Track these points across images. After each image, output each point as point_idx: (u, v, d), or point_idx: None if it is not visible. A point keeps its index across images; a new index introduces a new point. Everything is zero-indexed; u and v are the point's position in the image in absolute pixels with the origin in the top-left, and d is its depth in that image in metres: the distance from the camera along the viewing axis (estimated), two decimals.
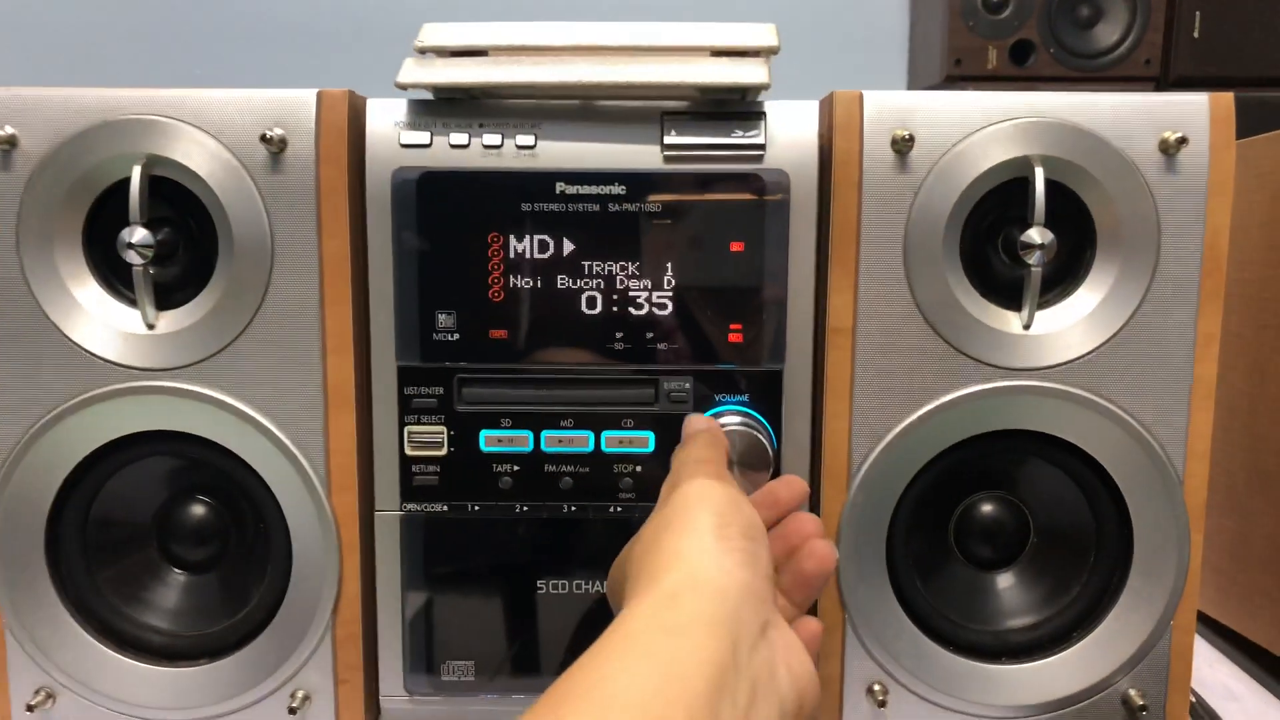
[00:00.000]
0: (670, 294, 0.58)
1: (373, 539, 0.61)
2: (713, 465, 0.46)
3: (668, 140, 0.58)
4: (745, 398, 0.59)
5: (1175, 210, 0.57)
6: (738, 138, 0.58)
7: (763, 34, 0.58)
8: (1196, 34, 1.73)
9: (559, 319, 0.59)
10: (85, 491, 0.60)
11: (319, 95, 0.57)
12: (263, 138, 0.56)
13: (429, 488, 0.60)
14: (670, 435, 0.59)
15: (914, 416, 0.58)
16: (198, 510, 0.61)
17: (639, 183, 0.58)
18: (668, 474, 0.49)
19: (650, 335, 0.59)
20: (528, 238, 0.58)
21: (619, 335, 0.59)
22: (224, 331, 0.58)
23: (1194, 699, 0.65)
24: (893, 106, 0.57)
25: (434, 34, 0.58)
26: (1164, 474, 0.58)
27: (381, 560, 0.61)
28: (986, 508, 0.61)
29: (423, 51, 0.58)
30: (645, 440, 0.60)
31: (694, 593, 0.37)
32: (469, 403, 0.59)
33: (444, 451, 0.60)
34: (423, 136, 0.58)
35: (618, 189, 0.58)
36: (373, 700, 0.62)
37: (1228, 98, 0.57)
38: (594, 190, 0.58)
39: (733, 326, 0.59)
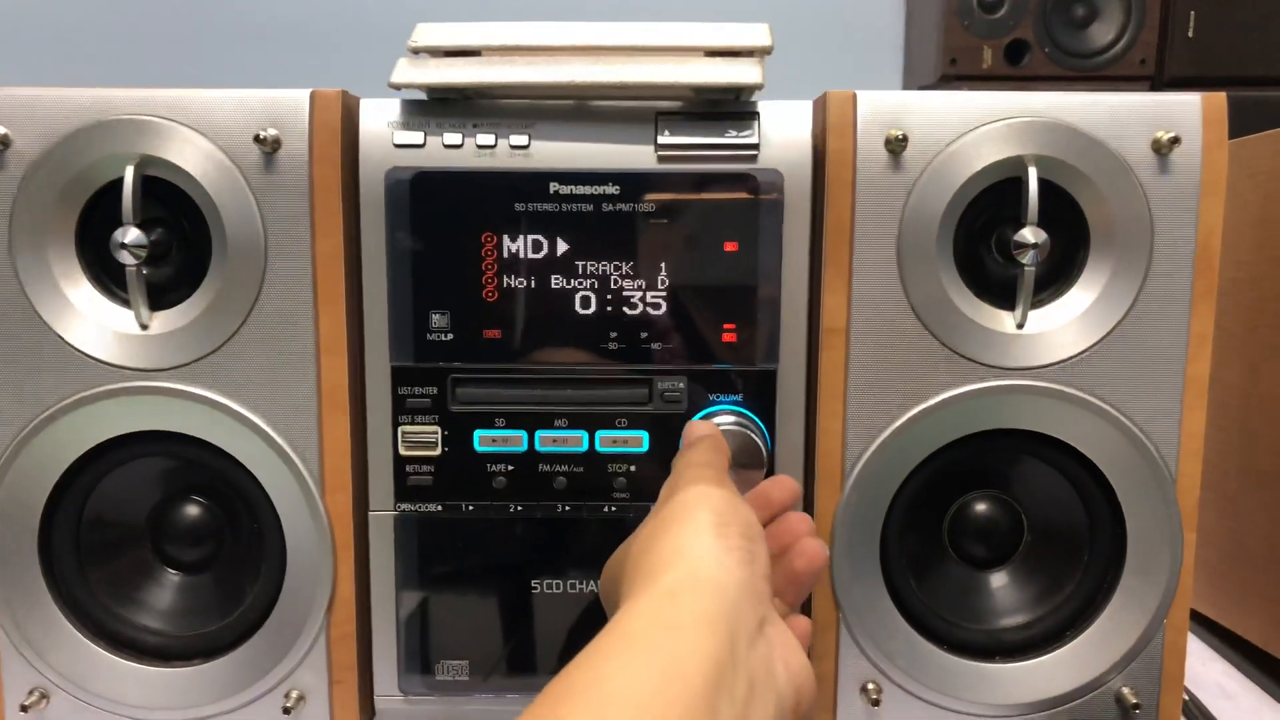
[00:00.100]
0: (664, 294, 0.59)
1: (367, 539, 0.61)
2: (713, 471, 0.46)
3: (662, 140, 0.58)
4: (739, 397, 0.59)
5: (1168, 210, 0.57)
6: (732, 138, 0.58)
7: (756, 34, 0.58)
8: (1191, 34, 1.73)
9: (553, 319, 0.59)
10: (79, 492, 0.60)
11: (312, 95, 0.57)
12: (256, 138, 0.56)
13: (423, 488, 0.60)
14: (664, 435, 0.59)
15: (908, 416, 0.58)
16: (192, 511, 0.61)
17: (633, 183, 0.58)
18: (665, 475, 0.49)
19: (644, 335, 0.59)
20: (522, 238, 0.58)
21: (613, 335, 0.59)
22: (218, 332, 0.57)
23: (1187, 697, 0.65)
24: (886, 106, 0.57)
25: (427, 34, 0.58)
26: (1157, 473, 0.58)
27: (376, 560, 0.61)
28: (980, 507, 0.61)
29: (416, 51, 0.58)
30: (639, 440, 0.60)
31: (693, 590, 0.37)
32: (463, 403, 0.59)
33: (438, 452, 0.60)
34: (416, 136, 0.58)
35: (612, 189, 0.58)
36: (367, 700, 0.62)
37: (1220, 98, 0.57)
38: (588, 190, 0.58)
39: (727, 326, 0.59)
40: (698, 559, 0.39)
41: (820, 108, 0.58)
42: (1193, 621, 0.67)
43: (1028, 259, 0.56)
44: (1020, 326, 0.58)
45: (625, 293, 0.58)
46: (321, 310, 0.58)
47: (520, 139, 0.58)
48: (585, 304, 0.59)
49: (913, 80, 2.03)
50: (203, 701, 0.60)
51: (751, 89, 0.56)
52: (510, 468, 0.60)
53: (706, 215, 0.58)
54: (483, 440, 0.60)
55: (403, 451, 0.60)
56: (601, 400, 0.59)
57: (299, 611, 0.60)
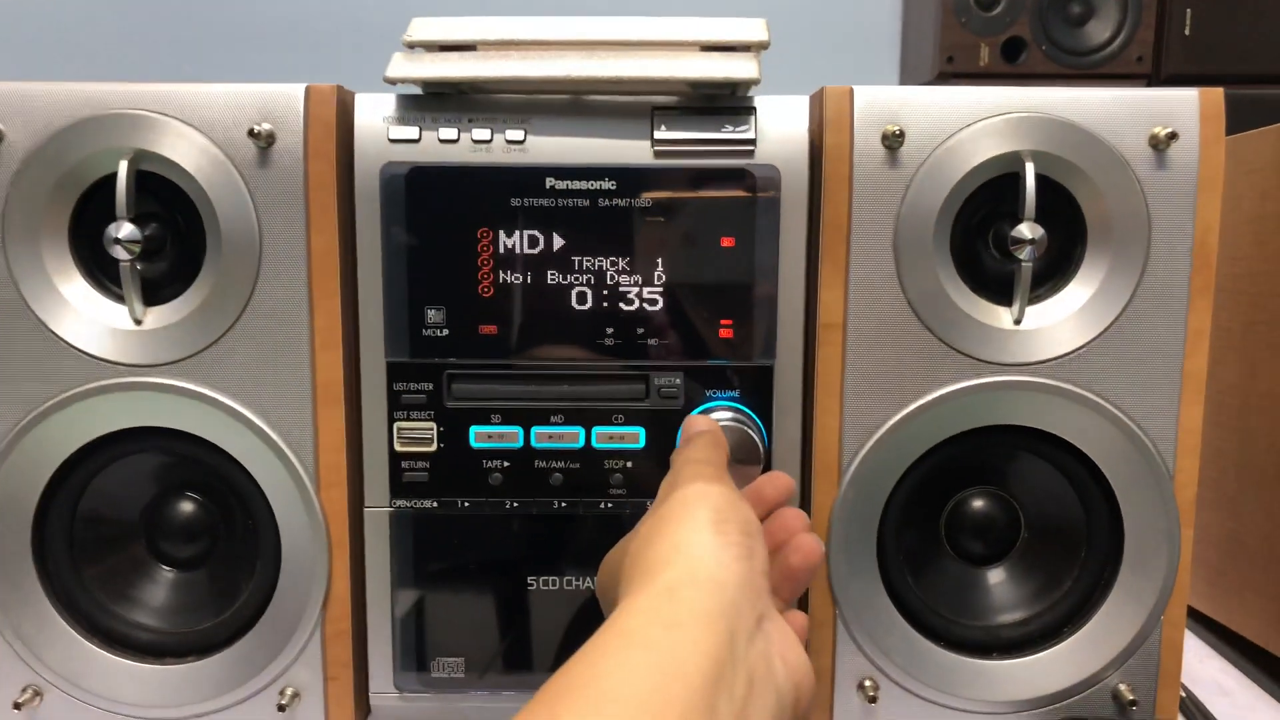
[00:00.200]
0: (661, 289, 0.58)
1: (362, 535, 0.60)
2: (712, 468, 0.46)
3: (658, 135, 0.58)
4: (736, 393, 0.59)
5: (1165, 206, 0.57)
6: (728, 133, 0.58)
7: (753, 29, 0.58)
8: (1188, 31, 1.73)
9: (549, 315, 0.59)
10: (72, 488, 0.60)
11: (307, 90, 0.57)
12: (250, 133, 0.56)
13: (419, 484, 0.60)
14: (661, 431, 0.59)
15: (905, 412, 0.58)
16: (186, 507, 0.61)
17: (629, 178, 0.57)
18: (663, 472, 0.49)
19: (641, 331, 0.59)
20: (517, 233, 0.58)
21: (609, 331, 0.59)
22: (212, 327, 0.57)
23: (1184, 694, 0.65)
24: (883, 102, 0.57)
25: (423, 28, 0.58)
26: (1154, 469, 0.58)
27: (371, 557, 0.61)
28: (977, 503, 0.61)
29: (411, 46, 0.58)
30: (636, 436, 0.59)
31: (692, 587, 0.37)
32: (459, 399, 0.59)
33: (434, 448, 0.59)
34: (411, 131, 0.57)
35: (608, 184, 0.57)
36: (362, 698, 0.62)
37: (1217, 93, 0.57)
38: (584, 185, 0.58)
39: (723, 322, 0.59)
40: (696, 556, 0.39)
41: (817, 103, 0.58)
42: (1190, 619, 0.67)
43: (1025, 254, 0.55)
44: (1017, 322, 0.58)
45: (622, 288, 0.58)
46: (316, 306, 0.58)
47: (516, 134, 0.57)
48: (581, 300, 0.58)
49: (909, 78, 2.03)
50: (197, 699, 0.60)
51: (748, 84, 0.56)
52: (506, 464, 0.60)
53: (703, 210, 0.58)
54: (478, 436, 0.59)
55: (398, 447, 0.59)
56: (598, 396, 0.59)
57: (294, 608, 0.59)
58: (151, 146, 0.56)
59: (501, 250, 0.58)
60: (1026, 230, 0.55)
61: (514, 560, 0.61)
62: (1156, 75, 1.75)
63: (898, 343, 0.58)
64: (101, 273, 0.59)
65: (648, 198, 0.58)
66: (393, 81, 0.56)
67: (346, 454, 0.59)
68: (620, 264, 0.58)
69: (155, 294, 0.58)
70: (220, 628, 0.60)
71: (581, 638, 0.35)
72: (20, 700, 0.60)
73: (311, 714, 0.60)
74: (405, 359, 0.59)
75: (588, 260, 0.58)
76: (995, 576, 0.62)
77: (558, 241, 0.58)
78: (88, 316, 0.58)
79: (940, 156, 0.56)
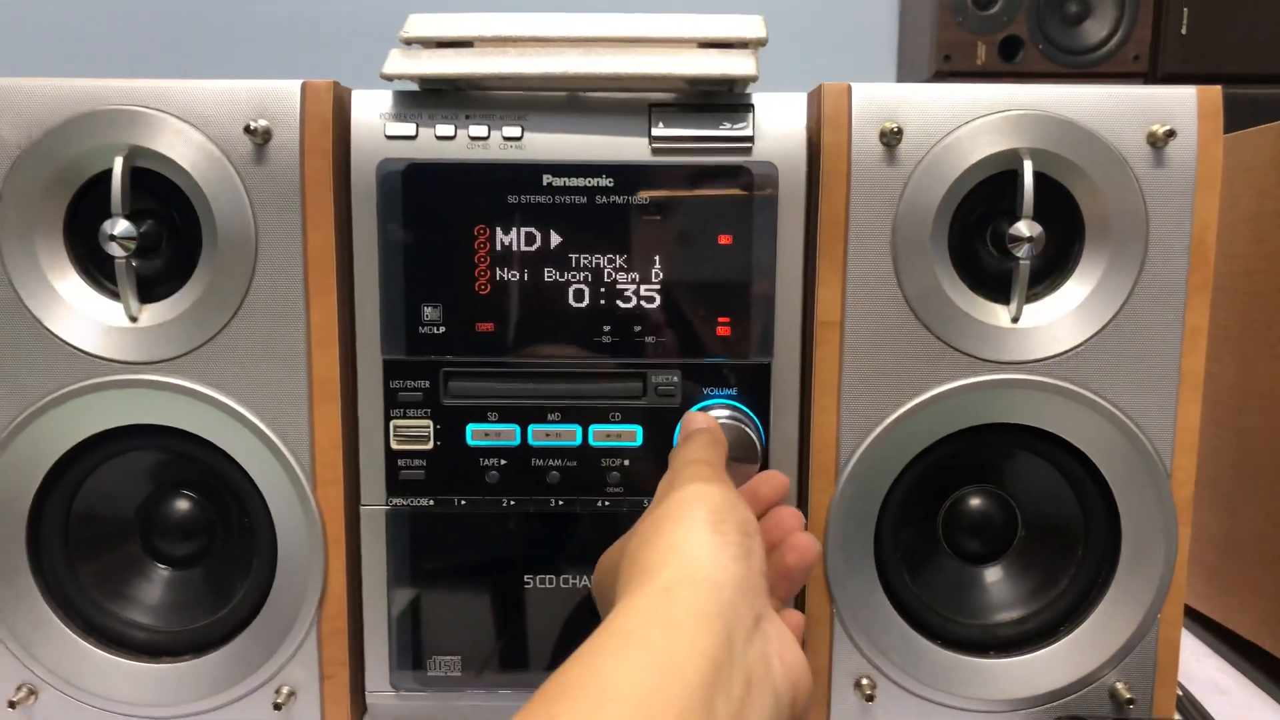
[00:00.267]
0: (658, 287, 0.58)
1: (358, 534, 0.60)
2: (710, 468, 0.46)
3: (655, 132, 0.57)
4: (733, 391, 0.59)
5: (1163, 204, 0.57)
6: (726, 130, 0.57)
7: (751, 26, 0.58)
8: (1184, 30, 1.73)
9: (546, 312, 0.58)
10: (67, 486, 0.59)
11: (304, 86, 0.56)
12: (247, 129, 0.56)
13: (415, 482, 0.60)
14: (658, 429, 0.59)
15: (902, 410, 0.58)
16: (181, 505, 0.61)
17: (626, 175, 0.57)
18: (659, 470, 0.49)
19: (638, 329, 0.59)
20: (514, 230, 0.58)
21: (606, 329, 0.59)
22: (208, 324, 0.57)
23: (1181, 692, 0.65)
24: (881, 99, 0.57)
25: (420, 25, 0.58)
26: (1151, 467, 0.58)
27: (367, 555, 0.60)
28: (974, 501, 0.61)
29: (408, 42, 0.58)
30: (633, 434, 0.59)
31: (689, 587, 0.37)
32: (455, 396, 0.59)
33: (430, 446, 0.59)
34: (408, 128, 0.57)
35: (605, 181, 0.57)
36: (359, 696, 0.62)
37: (1215, 91, 0.57)
38: (581, 182, 0.57)
39: (721, 320, 0.59)
40: (694, 556, 0.39)
41: (815, 100, 0.58)
42: (1187, 617, 0.67)
43: (1023, 252, 0.55)
44: (1015, 320, 0.58)
45: (619, 286, 0.58)
46: (313, 303, 0.57)
47: (513, 131, 0.57)
48: (579, 297, 0.58)
49: (906, 76, 2.03)
50: (193, 697, 0.60)
51: (746, 81, 0.56)
52: (503, 462, 0.59)
53: (700, 208, 0.58)
54: (475, 434, 0.59)
55: (394, 445, 0.59)
56: (595, 394, 0.59)
57: (290, 607, 0.59)
58: (147, 143, 0.56)
59: (498, 248, 0.58)
60: (1024, 228, 0.55)
61: (510, 558, 0.60)
62: (1153, 74, 1.75)
63: (895, 341, 0.58)
64: (97, 270, 0.58)
65: (645, 195, 0.57)
66: (390, 78, 0.56)
67: (343, 452, 0.59)
68: (617, 261, 0.58)
69: (151, 291, 0.58)
70: (216, 626, 0.60)
71: (578, 636, 0.35)
72: (15, 699, 0.59)
73: (307, 713, 0.60)
74: (402, 356, 0.59)
75: (585, 258, 0.58)
76: (992, 575, 0.62)
77: (555, 239, 0.58)
78: (83, 313, 0.57)
79: (938, 154, 0.56)
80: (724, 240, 0.58)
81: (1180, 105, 0.57)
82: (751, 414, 0.59)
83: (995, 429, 0.59)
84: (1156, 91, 0.57)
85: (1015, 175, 0.56)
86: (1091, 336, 0.58)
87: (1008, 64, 1.75)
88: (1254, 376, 0.72)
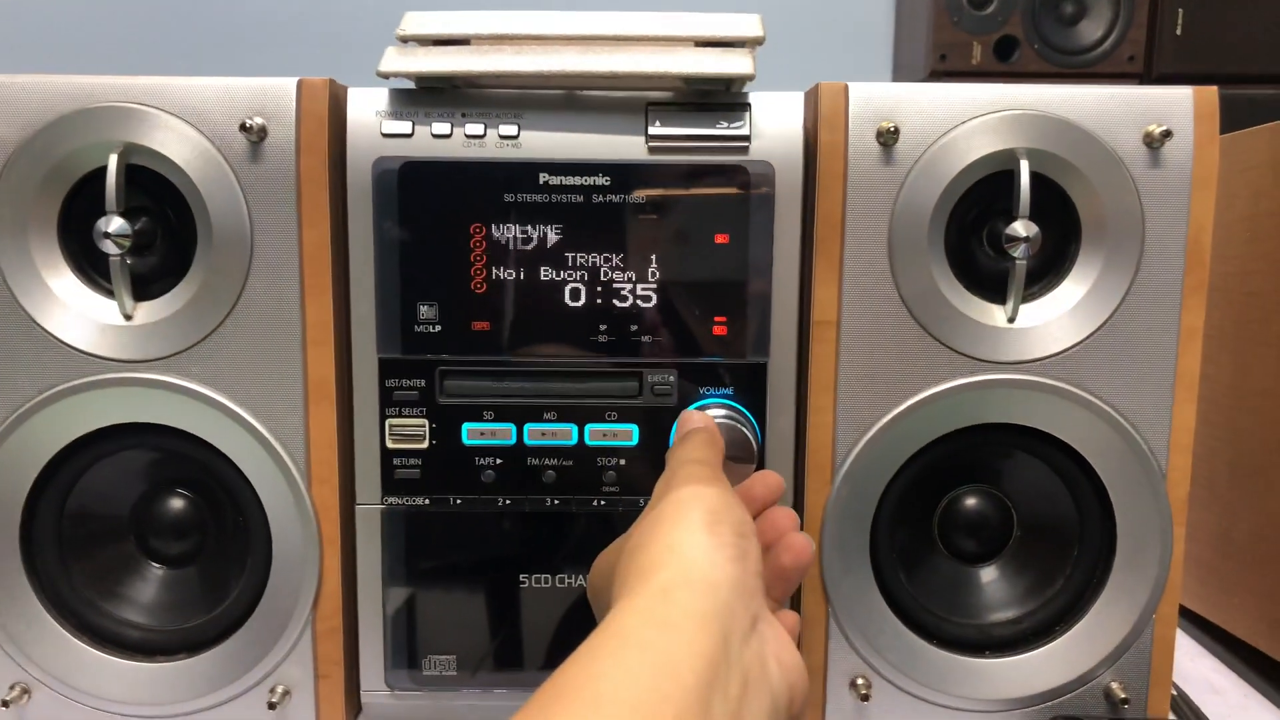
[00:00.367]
0: (654, 286, 0.58)
1: (353, 533, 0.60)
2: (708, 468, 0.46)
3: (652, 131, 0.57)
4: (730, 390, 0.59)
5: (1159, 204, 0.57)
6: (722, 129, 0.57)
7: (748, 25, 0.58)
8: (1179, 31, 1.74)
9: (542, 311, 0.58)
10: (61, 485, 0.59)
11: (299, 84, 0.56)
12: (242, 126, 0.55)
13: (410, 481, 0.59)
14: (654, 428, 0.59)
15: (898, 410, 0.58)
16: (176, 504, 0.61)
17: (623, 173, 0.57)
18: (655, 469, 0.49)
19: (634, 328, 0.58)
20: (511, 229, 0.58)
21: (603, 328, 0.58)
22: (203, 322, 0.57)
23: (1176, 692, 0.65)
24: (878, 98, 0.57)
25: (416, 22, 0.57)
26: (1147, 467, 0.58)
27: (362, 554, 0.60)
28: (970, 501, 0.61)
29: (405, 40, 0.57)
30: (629, 433, 0.59)
31: (686, 588, 0.37)
32: (451, 395, 0.59)
33: (425, 445, 0.59)
34: (404, 126, 0.57)
35: (602, 180, 0.57)
36: (353, 695, 0.62)
37: (1211, 91, 0.57)
38: (578, 181, 0.57)
39: (717, 319, 0.59)
40: (690, 557, 0.39)
41: (812, 100, 0.58)
42: (1181, 617, 0.67)
43: (1019, 252, 0.55)
44: (1011, 320, 0.58)
45: (615, 285, 0.58)
46: (308, 301, 0.57)
47: (509, 129, 0.57)
48: (575, 296, 0.58)
49: (902, 76, 2.03)
50: (187, 696, 0.60)
51: (743, 80, 0.56)
52: (499, 461, 0.59)
53: (697, 207, 0.58)
54: (471, 433, 0.59)
55: (390, 444, 0.59)
56: (591, 393, 0.59)
57: (284, 606, 0.59)
58: (142, 140, 0.55)
59: (494, 246, 0.58)
60: (1021, 228, 0.55)
61: (506, 558, 0.60)
62: (1148, 74, 1.75)
63: (892, 340, 0.58)
64: (91, 267, 0.58)
65: (642, 194, 0.57)
66: (386, 75, 0.56)
67: (338, 450, 0.58)
68: (614, 260, 0.58)
69: (145, 289, 0.58)
70: (210, 625, 0.60)
71: (573, 636, 0.35)
72: (8, 698, 0.59)
73: (302, 712, 0.60)
74: (397, 355, 0.58)
75: (581, 256, 0.58)
76: (988, 575, 0.62)
77: (551, 237, 0.58)
78: (77, 311, 0.57)
79: (935, 153, 0.56)
80: (720, 239, 0.58)
81: (1177, 106, 0.57)
82: (748, 413, 0.59)
83: (991, 429, 0.59)
84: (1153, 92, 0.57)
85: (1012, 175, 0.56)
86: (1087, 337, 0.58)
87: (1003, 64, 1.75)
88: (1249, 377, 0.72)
